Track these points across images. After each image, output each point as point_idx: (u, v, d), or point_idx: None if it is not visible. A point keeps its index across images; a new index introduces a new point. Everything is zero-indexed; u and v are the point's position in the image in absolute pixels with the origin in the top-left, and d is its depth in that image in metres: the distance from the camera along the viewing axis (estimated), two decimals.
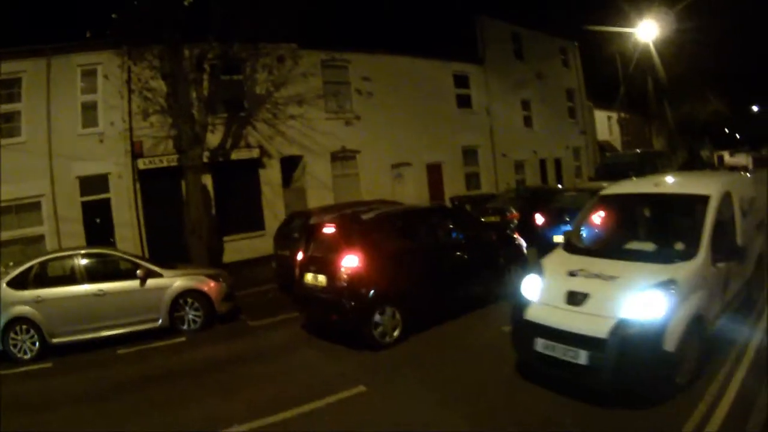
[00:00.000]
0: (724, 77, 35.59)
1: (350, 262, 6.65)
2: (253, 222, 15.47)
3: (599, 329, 4.33)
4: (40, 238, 12.87)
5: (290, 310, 8.37)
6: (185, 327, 8.37)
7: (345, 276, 6.61)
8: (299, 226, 10.43)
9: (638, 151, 23.35)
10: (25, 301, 7.66)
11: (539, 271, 5.34)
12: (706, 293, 4.70)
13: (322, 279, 7.07)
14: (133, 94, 13.50)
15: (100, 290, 7.95)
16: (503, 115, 23.06)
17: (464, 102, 21.87)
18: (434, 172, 20.30)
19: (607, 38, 28.37)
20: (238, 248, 14.85)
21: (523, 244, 8.90)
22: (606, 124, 35.43)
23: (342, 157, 17.77)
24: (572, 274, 5.00)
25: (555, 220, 10.37)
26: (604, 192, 6.60)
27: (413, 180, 19.52)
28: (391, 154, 18.76)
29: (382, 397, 5.18)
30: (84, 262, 8.23)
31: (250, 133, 15.67)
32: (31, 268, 8.01)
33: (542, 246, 9.53)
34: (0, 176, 11.76)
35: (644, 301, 4.33)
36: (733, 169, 38.83)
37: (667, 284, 4.40)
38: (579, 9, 33.18)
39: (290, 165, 16.72)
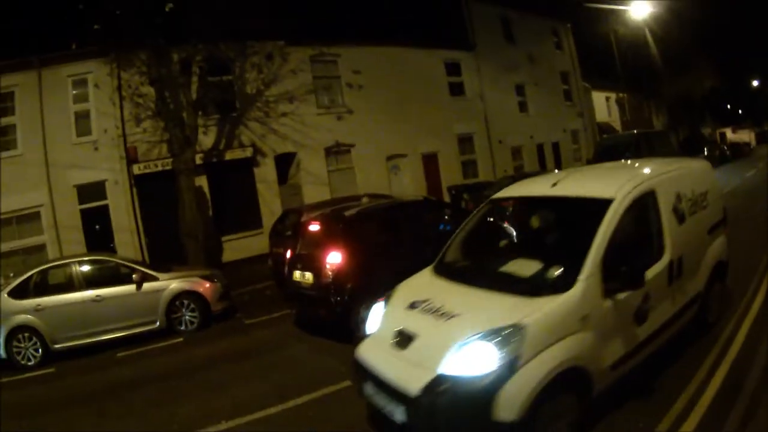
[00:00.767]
0: (720, 52, 35.39)
1: (334, 258, 6.83)
2: (251, 221, 15.68)
3: (412, 384, 3.49)
4: (41, 248, 13.17)
5: (285, 308, 8.59)
6: (182, 328, 8.60)
7: (330, 273, 6.80)
8: (292, 224, 10.62)
9: (635, 131, 23.18)
10: (26, 309, 7.89)
11: (388, 296, 4.57)
12: (589, 337, 3.62)
13: (309, 276, 7.26)
14: (125, 101, 13.69)
15: (98, 296, 8.18)
16: (497, 101, 23.02)
17: (457, 90, 21.88)
18: (430, 162, 20.38)
19: (601, 17, 28.26)
20: (236, 247, 15.09)
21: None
22: (605, 105, 35.27)
23: (336, 151, 17.90)
24: (413, 305, 4.12)
25: None
26: (496, 195, 5.51)
27: (410, 171, 19.62)
28: (386, 147, 18.84)
29: None
30: (81, 269, 8.45)
31: (243, 133, 15.85)
32: (30, 277, 8.23)
33: None
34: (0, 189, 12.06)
35: (469, 353, 3.40)
36: (735, 145, 38.55)
37: (508, 331, 3.37)
38: None
39: (285, 162, 16.89)
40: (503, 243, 5.49)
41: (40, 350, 7.88)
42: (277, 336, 7.77)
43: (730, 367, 4.60)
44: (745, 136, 48.87)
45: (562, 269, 3.91)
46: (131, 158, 14.11)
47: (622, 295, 3.85)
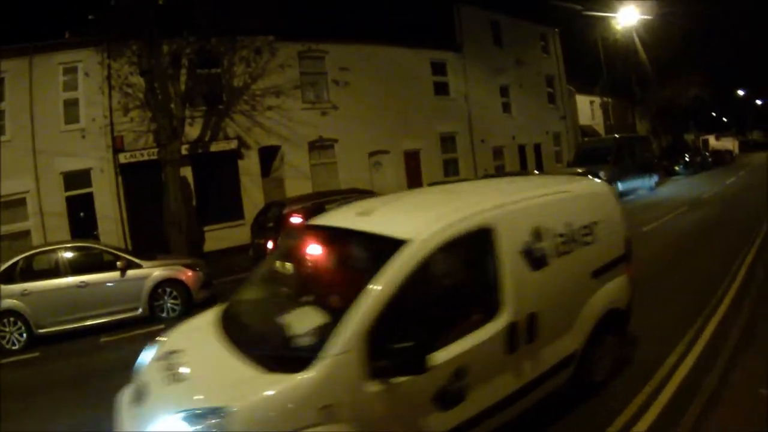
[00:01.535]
0: (705, 62, 36.22)
1: (314, 250, 7.21)
2: (233, 212, 15.98)
3: None
4: (26, 233, 13.35)
5: None
6: (164, 315, 8.83)
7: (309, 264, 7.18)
8: (275, 216, 10.94)
9: (616, 135, 23.74)
10: (12, 294, 8.05)
11: (163, 337, 3.97)
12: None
13: (288, 266, 7.63)
14: (114, 90, 13.91)
15: (83, 282, 8.39)
16: (481, 102, 23.48)
17: (442, 89, 22.28)
18: (412, 160, 20.78)
19: (589, 24, 28.78)
20: (218, 237, 15.40)
21: None
22: (589, 109, 35.91)
23: (319, 146, 18.22)
24: (168, 354, 3.46)
25: None
26: (312, 221, 4.65)
27: (391, 168, 20.01)
28: (369, 143, 19.20)
29: None
30: (67, 255, 8.66)
31: (229, 125, 16.11)
32: (17, 263, 8.39)
33: None
34: None
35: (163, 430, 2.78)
36: (718, 153, 39.47)
37: (208, 415, 2.67)
38: None
39: (268, 155, 17.17)
40: (297, 281, 4.44)
41: (24, 335, 8.05)
42: None
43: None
44: (729, 144, 49.88)
45: (311, 336, 2.99)
46: (118, 147, 14.32)
47: (403, 378, 2.85)
